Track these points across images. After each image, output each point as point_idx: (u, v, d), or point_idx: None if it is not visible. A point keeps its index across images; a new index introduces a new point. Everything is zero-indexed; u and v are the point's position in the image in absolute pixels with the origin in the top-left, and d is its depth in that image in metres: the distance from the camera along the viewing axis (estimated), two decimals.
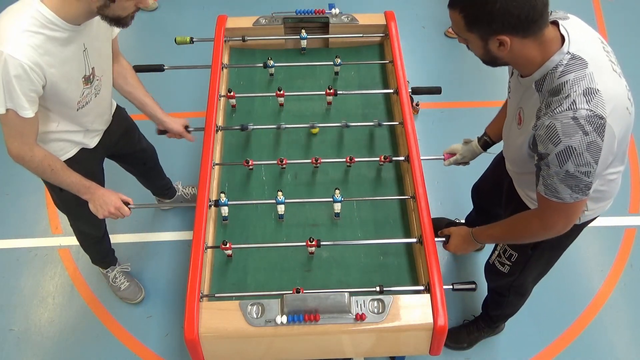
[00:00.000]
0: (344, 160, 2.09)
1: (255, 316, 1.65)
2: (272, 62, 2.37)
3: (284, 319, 1.63)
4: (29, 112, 1.61)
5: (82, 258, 2.71)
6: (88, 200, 1.91)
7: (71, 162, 1.87)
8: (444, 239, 1.89)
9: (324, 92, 2.26)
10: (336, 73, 2.46)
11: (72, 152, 1.94)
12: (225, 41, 2.46)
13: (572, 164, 1.36)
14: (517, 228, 1.68)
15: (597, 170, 1.39)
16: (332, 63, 2.40)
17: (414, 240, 1.89)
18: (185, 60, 2.58)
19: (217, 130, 2.15)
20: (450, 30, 3.80)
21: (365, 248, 1.97)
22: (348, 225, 2.04)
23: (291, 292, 1.69)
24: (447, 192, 2.93)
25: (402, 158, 2.11)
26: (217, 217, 2.05)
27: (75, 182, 1.84)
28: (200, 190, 1.92)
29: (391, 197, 2.08)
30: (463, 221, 2.67)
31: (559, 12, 1.48)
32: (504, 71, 1.73)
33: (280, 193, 1.95)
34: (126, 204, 1.95)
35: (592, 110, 1.33)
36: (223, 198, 1.95)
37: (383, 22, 2.49)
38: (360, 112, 2.35)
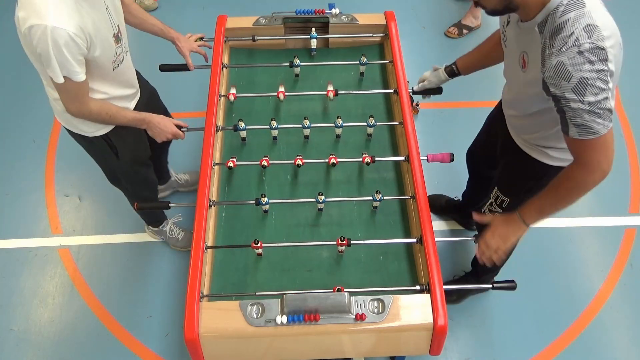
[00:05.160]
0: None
1: (255, 316, 1.65)
2: (297, 61, 2.38)
3: (284, 319, 1.63)
4: (81, 75, 1.72)
5: (82, 258, 2.71)
6: (147, 129, 2.08)
7: (118, 127, 2.02)
8: (473, 238, 1.85)
9: (324, 92, 2.26)
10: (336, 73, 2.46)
11: None
12: (225, 41, 2.46)
13: (591, 94, 1.40)
14: (562, 186, 1.59)
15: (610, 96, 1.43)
16: (332, 63, 2.40)
17: (414, 240, 1.90)
18: None
19: (217, 130, 2.15)
20: (450, 30, 3.81)
21: (366, 248, 1.97)
22: (348, 225, 2.04)
23: (291, 292, 1.69)
24: (447, 192, 2.93)
25: (402, 158, 2.11)
26: (217, 217, 2.05)
27: (131, 117, 2.01)
28: (200, 190, 1.92)
29: (391, 197, 2.08)
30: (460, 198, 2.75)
31: None
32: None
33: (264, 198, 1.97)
34: (179, 127, 2.12)
35: (594, 43, 1.39)
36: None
37: (383, 22, 2.49)
38: (360, 112, 2.35)
